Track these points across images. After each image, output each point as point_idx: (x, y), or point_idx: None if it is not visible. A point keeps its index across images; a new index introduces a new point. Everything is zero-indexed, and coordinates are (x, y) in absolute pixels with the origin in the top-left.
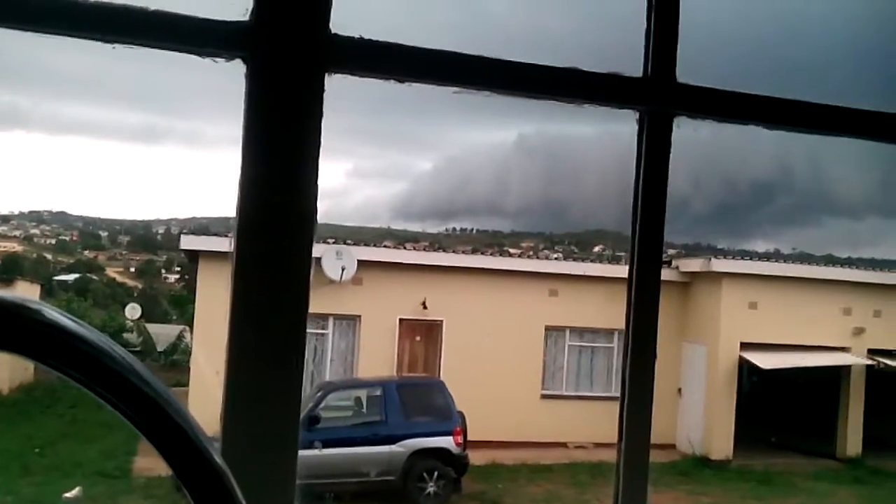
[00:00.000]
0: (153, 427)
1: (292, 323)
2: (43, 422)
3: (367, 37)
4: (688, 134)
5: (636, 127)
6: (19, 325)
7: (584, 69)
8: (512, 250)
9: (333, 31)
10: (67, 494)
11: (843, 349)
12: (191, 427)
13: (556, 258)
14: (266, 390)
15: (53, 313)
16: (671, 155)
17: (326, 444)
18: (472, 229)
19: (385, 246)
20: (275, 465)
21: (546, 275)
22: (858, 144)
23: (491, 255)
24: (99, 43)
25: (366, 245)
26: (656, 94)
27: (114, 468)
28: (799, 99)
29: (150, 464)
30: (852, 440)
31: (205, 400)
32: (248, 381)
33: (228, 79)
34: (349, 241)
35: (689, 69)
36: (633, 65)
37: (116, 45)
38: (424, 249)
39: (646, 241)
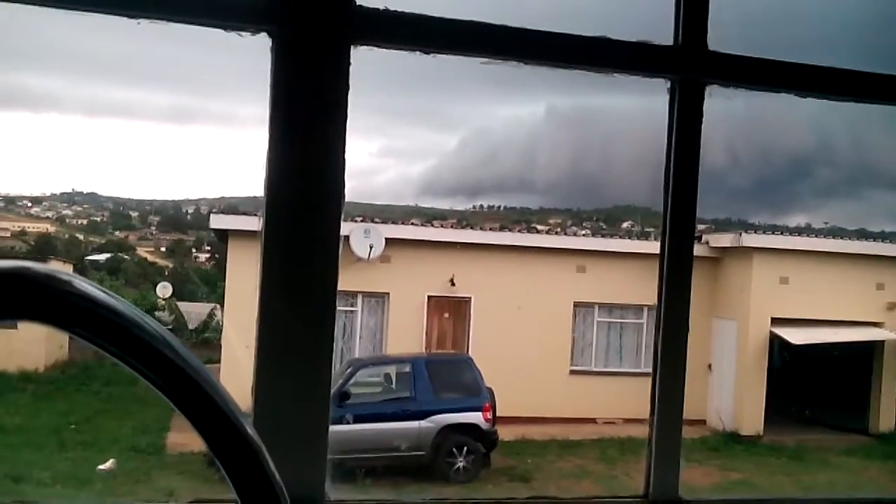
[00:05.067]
0: (185, 399)
1: (322, 300)
2: (78, 399)
3: (391, 8)
4: (722, 105)
5: (667, 97)
6: (49, 296)
7: (614, 38)
8: (540, 227)
9: (358, 2)
10: (101, 467)
11: (875, 324)
12: (224, 400)
13: (584, 234)
14: (297, 366)
15: (84, 284)
16: (704, 126)
17: (356, 420)
18: (499, 206)
19: (413, 223)
20: (306, 440)
21: (574, 251)
22: None
23: (519, 231)
24: (131, 24)
25: (394, 223)
26: (687, 63)
27: (147, 444)
28: (831, 66)
29: (183, 439)
30: (885, 416)
31: (236, 376)
32: (279, 357)
33: (258, 59)
34: (377, 219)
35: (720, 37)
36: (663, 34)
37: (142, 21)
38: (452, 227)
39: (678, 213)
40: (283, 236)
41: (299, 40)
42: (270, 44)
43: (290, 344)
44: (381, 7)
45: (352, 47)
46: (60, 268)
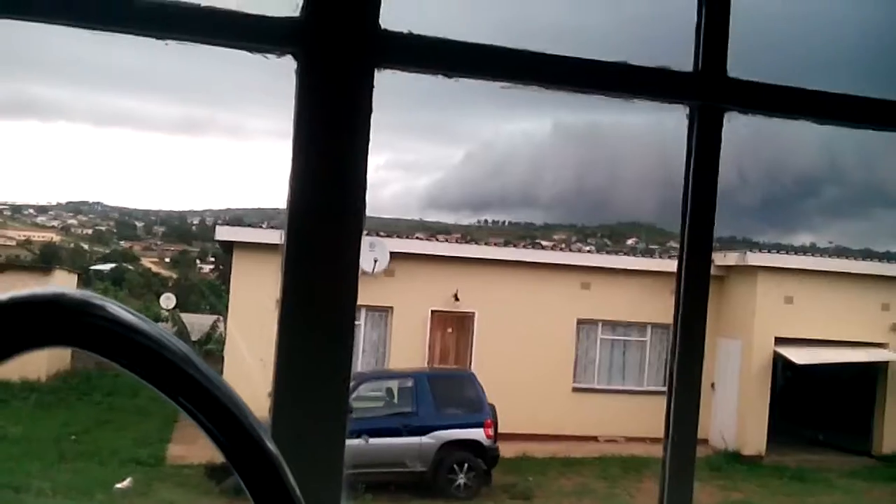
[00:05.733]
0: (208, 415)
1: (341, 315)
2: (79, 409)
3: (415, 32)
4: (735, 127)
5: (681, 119)
6: (85, 323)
7: (634, 63)
8: (544, 242)
9: (383, 26)
10: (119, 485)
11: (880, 345)
12: (245, 416)
13: (588, 251)
14: (316, 381)
15: (116, 309)
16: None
17: (358, 435)
18: (504, 221)
19: (417, 238)
20: (324, 455)
21: (578, 267)
22: None
23: (523, 247)
24: (148, 38)
25: (398, 237)
26: (707, 89)
27: (148, 455)
28: (849, 93)
29: (184, 451)
30: (889, 438)
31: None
32: (297, 372)
33: (268, 73)
34: (382, 233)
35: (739, 64)
36: (682, 60)
37: (169, 42)
38: (456, 241)
39: (695, 236)
40: (304, 253)
41: (324, 63)
42: (295, 66)
43: (310, 358)
44: (406, 31)
45: (376, 70)
46: (65, 277)
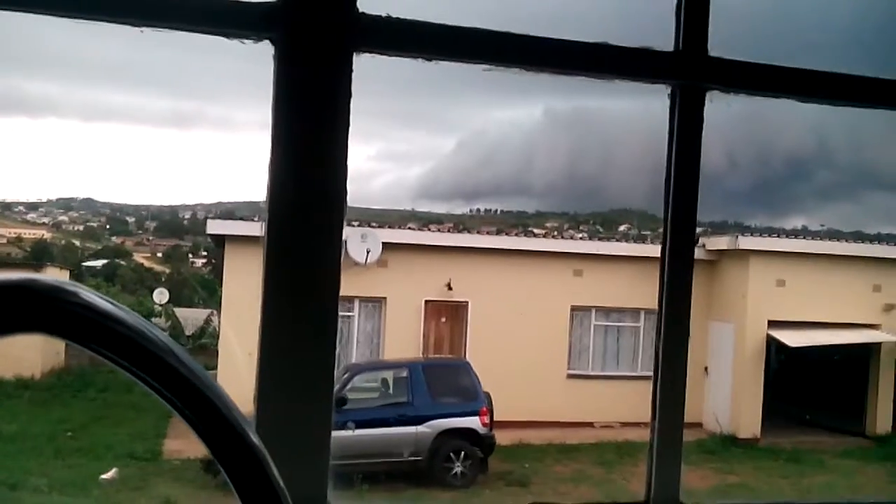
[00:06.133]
0: (190, 407)
1: (324, 305)
2: (74, 405)
3: (394, 15)
4: (720, 108)
5: (667, 101)
6: (56, 308)
7: (615, 44)
8: (536, 230)
9: (361, 9)
10: (104, 476)
11: (872, 326)
12: (227, 407)
13: (580, 238)
14: (300, 372)
15: (90, 295)
16: (704, 129)
17: (344, 424)
18: (496, 210)
19: (410, 228)
20: (309, 446)
21: (571, 255)
22: None
23: (515, 235)
24: (129, 29)
25: (390, 227)
26: (688, 68)
27: (144, 451)
28: (832, 71)
29: (180, 446)
30: (882, 418)
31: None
32: (281, 363)
33: (256, 63)
34: (374, 224)
35: (720, 43)
36: (664, 41)
37: (145, 29)
38: (449, 231)
39: (679, 218)
40: (285, 243)
41: (302, 48)
42: (273, 51)
43: (293, 350)
44: (384, 14)
45: (354, 54)
46: (57, 274)
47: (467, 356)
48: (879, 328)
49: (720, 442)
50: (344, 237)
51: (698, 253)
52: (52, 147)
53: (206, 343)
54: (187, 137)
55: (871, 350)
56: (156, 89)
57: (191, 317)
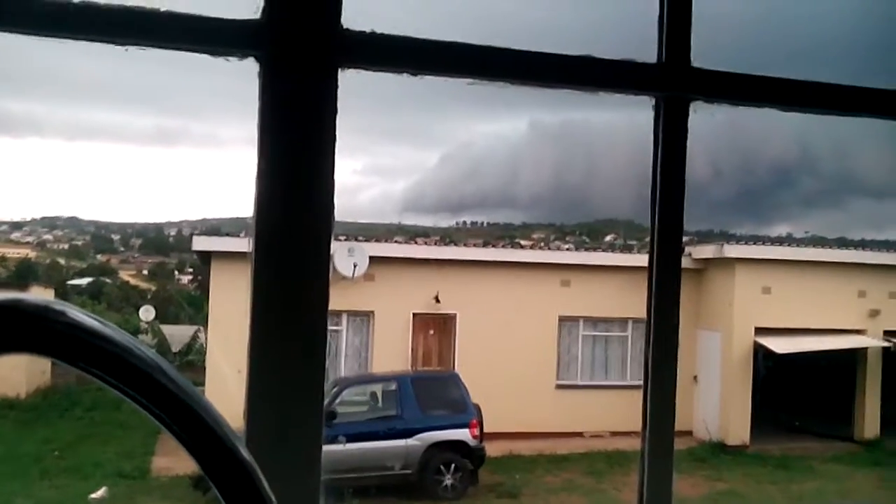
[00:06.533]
0: (179, 424)
1: (313, 319)
2: (61, 425)
3: (378, 31)
4: (704, 118)
5: (652, 113)
6: (44, 328)
7: (598, 56)
8: (523, 242)
9: (345, 25)
10: (93, 495)
11: (858, 332)
12: (217, 423)
13: (567, 249)
14: (289, 387)
15: (77, 314)
16: (689, 139)
17: (335, 438)
18: (482, 222)
19: (396, 241)
20: (299, 460)
21: (558, 265)
22: (881, 123)
23: (502, 247)
24: (112, 46)
25: (377, 241)
26: (671, 80)
27: (133, 469)
28: (815, 80)
29: (168, 463)
30: (870, 422)
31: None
32: (270, 378)
33: (240, 80)
34: (360, 238)
35: (703, 54)
36: (647, 52)
37: (129, 48)
38: (436, 244)
39: (665, 228)
40: (272, 260)
41: (287, 64)
42: (258, 68)
43: (283, 365)
44: (368, 30)
45: (339, 70)
46: (42, 293)
47: (456, 368)
48: (865, 333)
49: (710, 449)
50: (331, 251)
51: (684, 262)
52: (36, 166)
53: (192, 360)
54: (172, 154)
55: (857, 355)
56: (140, 107)
57: (177, 334)
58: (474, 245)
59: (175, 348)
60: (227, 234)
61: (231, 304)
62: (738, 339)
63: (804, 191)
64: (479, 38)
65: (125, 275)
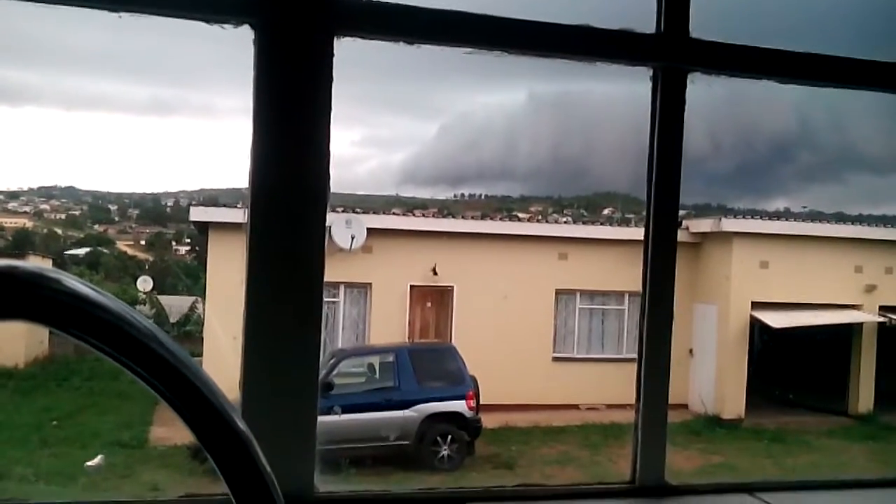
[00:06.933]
0: (175, 394)
1: (308, 290)
2: (59, 395)
3: None
4: (702, 89)
5: (650, 84)
6: (39, 295)
7: (596, 26)
8: (521, 215)
9: None
10: (90, 463)
11: (854, 307)
12: (213, 393)
13: (565, 222)
14: (284, 357)
15: (73, 282)
16: (686, 111)
17: (330, 409)
18: (481, 194)
19: (394, 213)
20: (295, 432)
21: (555, 238)
22: (882, 96)
23: (500, 220)
24: (108, 15)
25: (375, 213)
26: (670, 50)
27: (131, 438)
28: (813, 52)
29: (167, 433)
30: (864, 397)
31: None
32: (266, 350)
33: (237, 50)
34: (358, 210)
35: (702, 25)
36: (646, 23)
37: (123, 14)
38: (434, 216)
39: (661, 200)
40: (268, 229)
41: (282, 32)
42: (253, 36)
43: (278, 336)
44: None
45: (335, 38)
46: (39, 263)
47: (453, 340)
48: (861, 308)
49: (705, 423)
50: (328, 223)
51: (682, 235)
52: (33, 135)
53: (190, 330)
54: (169, 124)
55: (853, 330)
56: (136, 77)
57: (175, 304)
58: (472, 217)
59: (173, 319)
60: (225, 205)
61: (229, 274)
62: (734, 313)
63: (802, 165)
64: (476, 7)
65: (123, 245)
